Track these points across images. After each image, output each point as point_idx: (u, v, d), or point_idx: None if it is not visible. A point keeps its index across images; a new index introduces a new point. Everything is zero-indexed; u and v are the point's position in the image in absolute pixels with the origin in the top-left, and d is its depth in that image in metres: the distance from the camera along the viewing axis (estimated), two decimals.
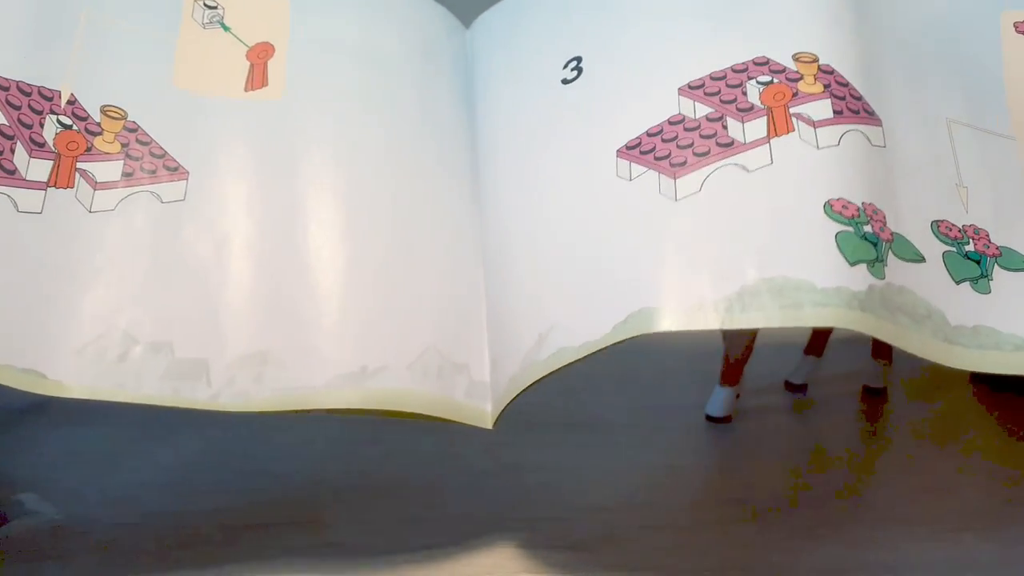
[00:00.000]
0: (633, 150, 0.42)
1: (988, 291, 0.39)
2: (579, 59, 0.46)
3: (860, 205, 0.38)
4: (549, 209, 0.43)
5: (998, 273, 0.40)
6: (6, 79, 0.40)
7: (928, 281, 0.38)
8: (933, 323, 0.37)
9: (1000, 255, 0.40)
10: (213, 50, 0.46)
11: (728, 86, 0.42)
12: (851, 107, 0.41)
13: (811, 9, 0.43)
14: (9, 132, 0.39)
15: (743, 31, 0.43)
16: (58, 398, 0.37)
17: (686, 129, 0.41)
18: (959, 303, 0.38)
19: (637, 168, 0.41)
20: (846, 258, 0.36)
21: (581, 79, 0.45)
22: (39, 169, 0.39)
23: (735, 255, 0.37)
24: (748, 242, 0.38)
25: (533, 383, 0.39)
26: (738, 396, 0.52)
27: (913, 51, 0.45)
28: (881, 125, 0.41)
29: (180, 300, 0.39)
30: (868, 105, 0.41)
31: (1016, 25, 0.47)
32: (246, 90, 0.45)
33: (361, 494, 0.47)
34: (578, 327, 0.39)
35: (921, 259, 0.39)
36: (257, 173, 0.43)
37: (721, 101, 0.41)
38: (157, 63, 0.44)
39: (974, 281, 0.39)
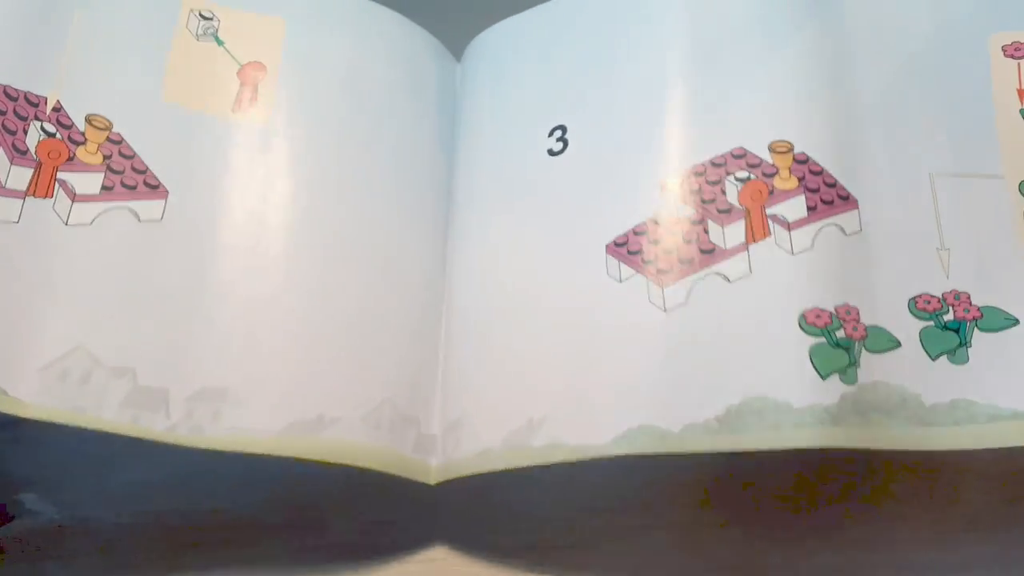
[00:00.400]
0: (621, 248, 0.44)
1: (966, 360, 0.42)
2: (564, 129, 0.48)
3: (833, 311, 0.41)
4: (538, 289, 0.45)
5: (977, 338, 0.42)
6: None
7: (904, 365, 0.41)
8: (908, 409, 0.40)
9: (981, 317, 0.42)
10: (205, 65, 0.46)
11: (708, 183, 0.44)
12: (824, 198, 0.43)
13: (785, 93, 0.45)
14: None
15: (721, 118, 0.45)
16: None
17: (670, 232, 0.44)
18: (935, 380, 0.41)
19: (626, 269, 0.44)
20: (819, 372, 0.40)
21: (567, 153, 0.48)
22: (19, 177, 0.38)
23: (721, 373, 0.41)
24: (732, 359, 0.41)
25: (520, 467, 0.42)
26: None
27: (895, 101, 0.46)
28: (857, 207, 0.43)
29: (147, 325, 0.39)
30: (843, 189, 0.43)
31: (1004, 48, 0.47)
32: (234, 110, 0.45)
33: (363, 493, 0.46)
34: (575, 427, 0.42)
35: (897, 345, 0.41)
36: (236, 202, 0.42)
37: (702, 201, 0.44)
38: (147, 74, 0.44)
39: (951, 353, 0.42)
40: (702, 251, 0.43)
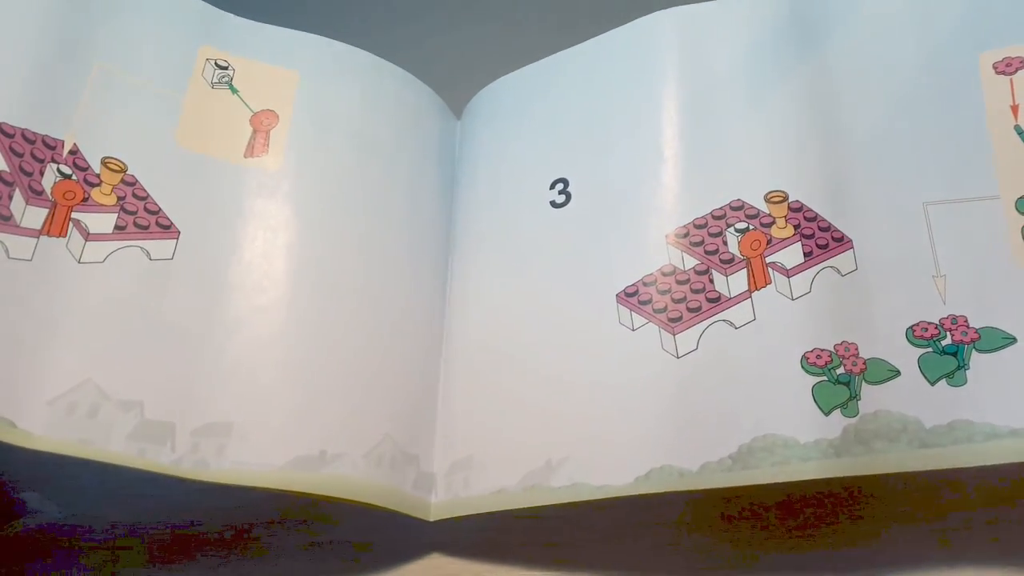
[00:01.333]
0: (632, 298, 0.48)
1: (964, 382, 0.44)
2: (566, 182, 0.52)
3: (832, 350, 0.44)
4: (547, 336, 0.49)
5: (975, 360, 0.45)
6: (12, 126, 0.42)
7: (903, 392, 0.44)
8: (908, 434, 0.43)
9: (979, 338, 0.45)
10: (219, 111, 0.48)
11: (710, 235, 0.48)
12: (819, 243, 0.46)
13: (777, 143, 0.48)
14: (9, 179, 0.39)
15: (718, 171, 0.48)
16: None
17: (678, 282, 0.48)
18: (935, 404, 0.44)
19: (638, 318, 0.47)
20: (821, 409, 0.44)
21: (571, 206, 0.51)
22: (34, 216, 0.40)
23: (732, 414, 0.44)
24: (741, 400, 0.44)
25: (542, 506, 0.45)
26: None
27: (885, 136, 0.48)
28: (852, 247, 0.46)
29: (156, 361, 0.40)
30: (837, 231, 0.46)
31: (995, 66, 0.48)
32: (246, 156, 0.48)
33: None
34: (596, 468, 0.45)
35: (896, 373, 0.44)
36: (245, 244, 0.45)
37: (705, 252, 0.48)
38: (162, 119, 0.46)
39: (950, 376, 0.44)
40: (708, 300, 0.46)
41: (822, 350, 0.44)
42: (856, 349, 0.44)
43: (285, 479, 0.40)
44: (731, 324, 0.45)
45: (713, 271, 0.46)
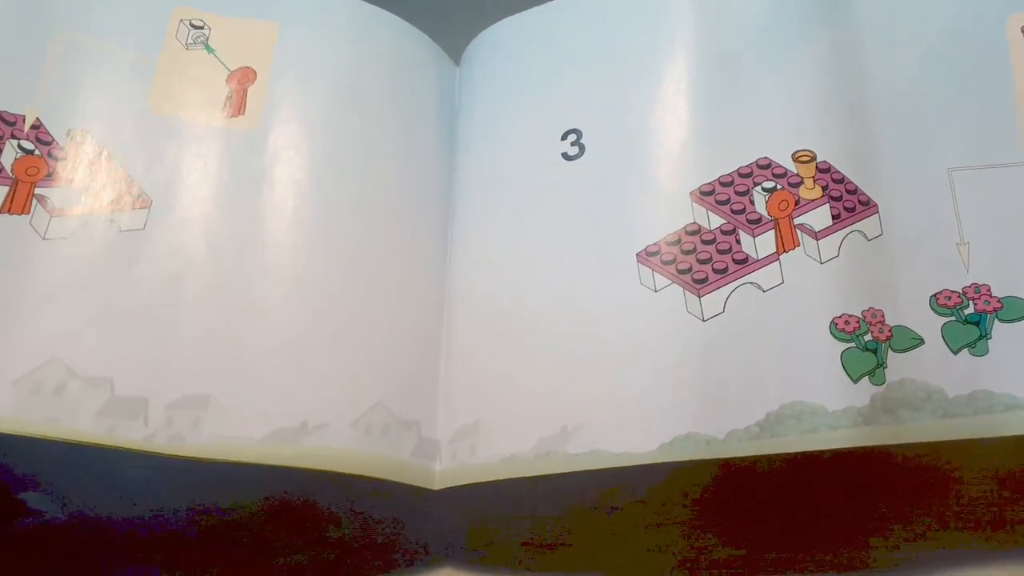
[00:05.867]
0: (653, 257, 0.46)
1: (986, 352, 0.44)
2: (579, 133, 0.49)
3: (860, 316, 0.44)
4: (564, 297, 0.47)
5: (997, 329, 0.45)
6: None
7: (927, 361, 0.44)
8: (932, 403, 0.43)
9: (1001, 308, 0.45)
10: (193, 72, 0.46)
11: (736, 193, 0.46)
12: (847, 206, 0.45)
13: (803, 102, 0.46)
14: None
15: (743, 128, 0.47)
16: None
17: (703, 241, 0.46)
18: (957, 374, 0.43)
19: (660, 279, 0.46)
20: (850, 376, 0.43)
21: (585, 159, 0.49)
22: None
23: (759, 380, 0.43)
24: (768, 366, 0.43)
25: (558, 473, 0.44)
26: None
27: (910, 100, 0.47)
28: (877, 211, 0.45)
29: (126, 334, 0.39)
30: (864, 195, 0.45)
31: (1023, 29, 0.47)
32: (222, 116, 0.46)
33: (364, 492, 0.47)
34: (617, 435, 0.44)
35: (920, 342, 0.44)
36: (220, 208, 0.43)
37: (732, 211, 0.46)
38: (133, 85, 0.44)
39: (972, 345, 0.44)
40: (735, 261, 0.45)
41: (850, 316, 0.43)
42: (882, 316, 0.43)
43: (264, 453, 0.38)
44: (759, 287, 0.44)
45: (740, 231, 0.45)
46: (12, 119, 0.40)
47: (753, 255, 0.44)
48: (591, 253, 0.47)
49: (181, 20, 0.46)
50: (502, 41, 0.54)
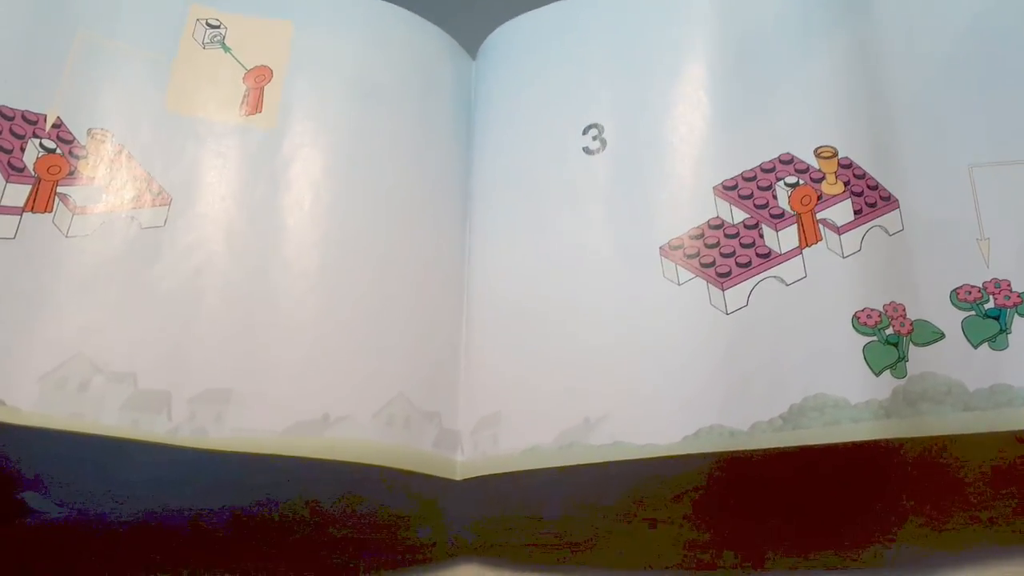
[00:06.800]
0: (676, 251, 0.47)
1: (1006, 346, 0.45)
2: (600, 128, 0.50)
3: (882, 309, 0.44)
4: (587, 290, 0.47)
5: (1017, 324, 0.45)
6: None
7: (948, 355, 0.44)
8: (953, 397, 0.44)
9: (1022, 302, 0.45)
10: (210, 71, 0.47)
11: (759, 188, 0.47)
12: (869, 201, 0.46)
13: (825, 97, 0.47)
14: None
15: (765, 124, 0.47)
16: None
17: (726, 236, 0.47)
18: (977, 368, 0.44)
19: (684, 272, 0.46)
20: (872, 370, 0.43)
21: (607, 153, 0.49)
22: (16, 194, 0.39)
23: (782, 373, 0.44)
24: (791, 359, 0.44)
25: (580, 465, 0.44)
26: None
27: (931, 96, 0.48)
28: (899, 207, 0.46)
29: (148, 330, 0.39)
30: (884, 191, 0.46)
31: None
32: (240, 115, 0.46)
33: (363, 491, 0.46)
34: (640, 426, 0.44)
35: (941, 336, 0.45)
36: (239, 205, 0.43)
37: (755, 206, 0.47)
38: (151, 84, 0.45)
39: (992, 340, 0.45)
40: (759, 255, 0.46)
41: (872, 310, 0.43)
42: (904, 310, 0.44)
43: (286, 445, 0.38)
44: (782, 281, 0.44)
45: (763, 225, 0.45)
46: (34, 118, 0.41)
47: (776, 249, 0.45)
48: (613, 246, 0.47)
49: (198, 19, 0.47)
50: (520, 35, 0.54)
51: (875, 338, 0.43)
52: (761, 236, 0.45)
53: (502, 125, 0.52)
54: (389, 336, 0.44)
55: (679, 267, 0.46)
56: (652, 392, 0.45)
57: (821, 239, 0.45)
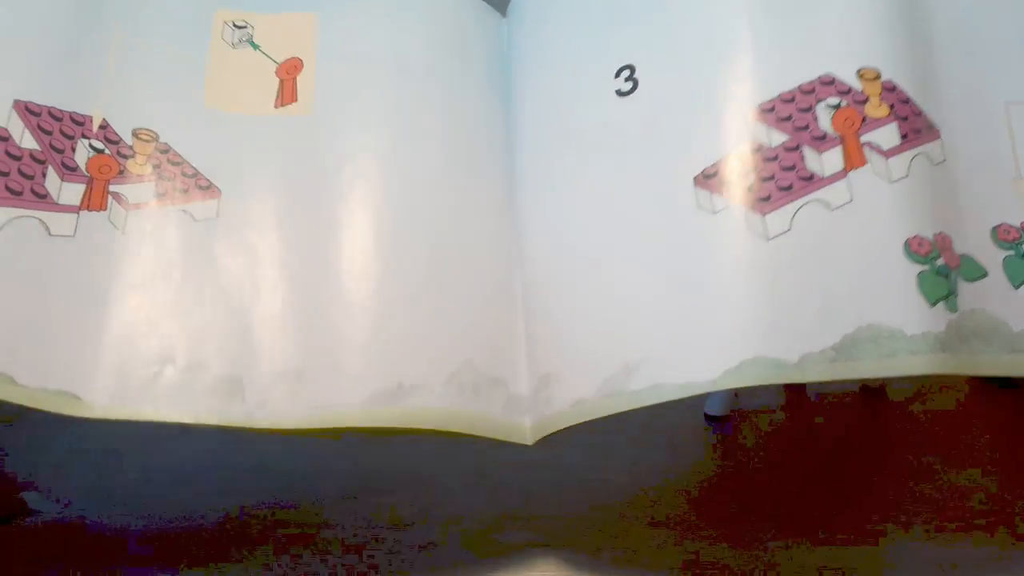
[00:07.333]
0: (711, 179, 0.43)
1: None
2: (632, 68, 0.47)
3: (932, 239, 0.41)
4: (619, 230, 0.44)
5: None
6: (38, 105, 0.40)
7: (992, 294, 0.42)
8: (1000, 336, 0.41)
9: None
10: (243, 68, 0.46)
11: (799, 110, 0.43)
12: (914, 127, 0.43)
13: (867, 20, 0.44)
14: (41, 157, 0.39)
15: (804, 44, 0.44)
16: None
17: (765, 159, 0.43)
18: (1019, 308, 0.42)
19: (719, 200, 0.42)
20: (928, 300, 0.40)
21: (639, 92, 0.46)
22: (71, 193, 0.40)
23: (832, 301, 0.40)
24: (841, 287, 0.40)
25: (619, 412, 0.41)
26: (736, 395, 0.53)
27: (970, 29, 0.46)
28: (940, 137, 0.43)
29: (214, 318, 0.40)
30: (928, 119, 0.43)
31: None
32: (276, 106, 0.46)
33: (363, 492, 0.48)
34: (678, 365, 0.41)
35: (984, 273, 0.42)
36: (288, 189, 0.44)
37: (795, 128, 0.43)
38: (188, 84, 0.45)
39: None
40: (801, 178, 0.42)
41: (923, 238, 0.41)
42: (950, 243, 0.41)
43: (368, 415, 0.39)
44: (826, 204, 0.41)
45: (804, 148, 0.42)
46: (81, 119, 0.40)
47: (819, 172, 0.41)
48: (647, 184, 0.44)
49: (224, 22, 0.47)
50: None
51: (927, 267, 0.40)
52: (803, 159, 0.42)
53: (537, 77, 0.50)
54: (450, 304, 0.43)
55: (714, 195, 0.43)
56: (689, 328, 0.41)
57: (867, 162, 0.41)
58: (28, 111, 0.37)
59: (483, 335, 0.42)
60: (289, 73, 0.45)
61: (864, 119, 0.43)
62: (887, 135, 0.43)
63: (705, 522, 0.45)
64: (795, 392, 0.57)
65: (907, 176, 0.42)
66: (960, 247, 0.42)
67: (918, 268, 0.41)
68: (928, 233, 0.41)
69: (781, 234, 0.41)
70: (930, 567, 0.43)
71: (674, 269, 0.42)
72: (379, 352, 0.40)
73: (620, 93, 0.46)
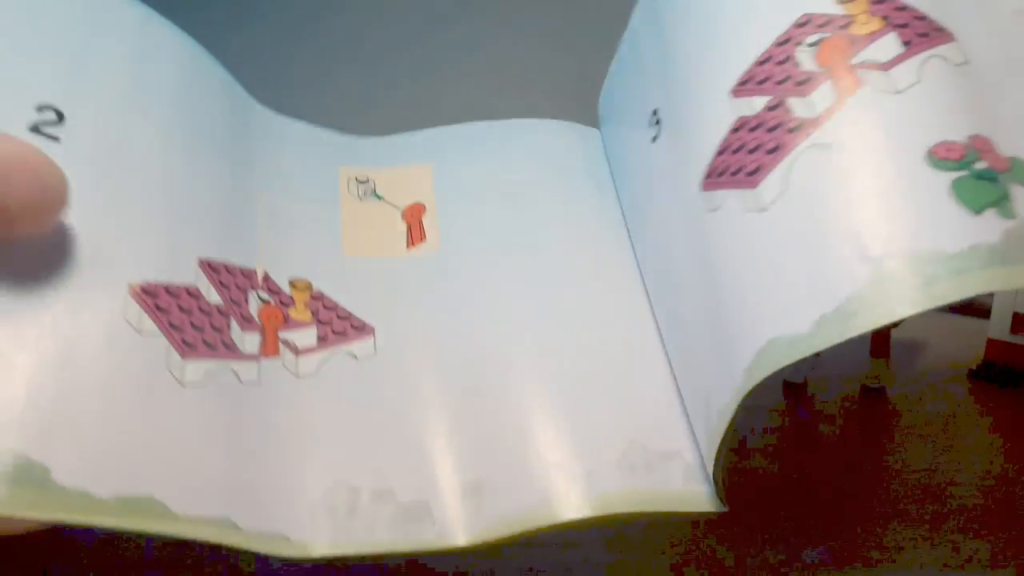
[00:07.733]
0: (710, 178, 0.39)
1: None
2: (656, 111, 0.45)
3: (965, 141, 0.32)
4: (671, 265, 0.42)
5: None
6: (216, 262, 0.42)
7: None
8: None
9: None
10: (372, 217, 0.49)
11: (776, 64, 0.37)
12: (919, 31, 0.35)
13: None
14: (225, 310, 0.41)
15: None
16: None
17: (749, 130, 0.37)
18: None
19: (720, 195, 0.38)
20: (970, 207, 0.31)
21: (663, 134, 0.44)
22: (251, 342, 0.41)
23: (848, 248, 0.33)
24: (854, 227, 0.33)
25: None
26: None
27: None
28: (955, 39, 0.35)
29: (392, 447, 0.40)
30: (935, 22, 0.35)
31: None
32: (408, 247, 0.48)
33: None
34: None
35: None
36: (434, 318, 0.45)
37: (776, 84, 0.37)
38: (328, 236, 0.48)
39: None
40: (789, 131, 0.36)
41: (952, 143, 0.32)
42: (992, 145, 0.32)
43: (551, 515, 0.38)
44: (822, 147, 0.34)
45: (788, 99, 0.35)
46: (248, 273, 0.43)
47: (809, 115, 0.35)
48: (673, 208, 0.43)
49: (348, 178, 0.51)
50: (616, 84, 0.52)
51: (964, 172, 0.32)
52: (787, 112, 0.36)
53: (636, 178, 0.49)
54: (607, 391, 0.43)
55: (715, 193, 0.39)
56: (722, 348, 0.37)
57: (861, 85, 0.35)
58: (210, 267, 0.39)
59: (643, 412, 0.41)
60: (414, 216, 0.48)
61: (853, 41, 0.36)
62: (883, 47, 0.36)
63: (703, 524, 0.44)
64: (794, 393, 0.53)
65: (919, 81, 0.34)
66: (1008, 150, 0.33)
67: (951, 175, 0.32)
68: (959, 137, 0.33)
69: (777, 198, 0.36)
70: (930, 567, 0.40)
71: (707, 280, 0.39)
72: (548, 449, 0.40)
73: (654, 140, 0.45)
